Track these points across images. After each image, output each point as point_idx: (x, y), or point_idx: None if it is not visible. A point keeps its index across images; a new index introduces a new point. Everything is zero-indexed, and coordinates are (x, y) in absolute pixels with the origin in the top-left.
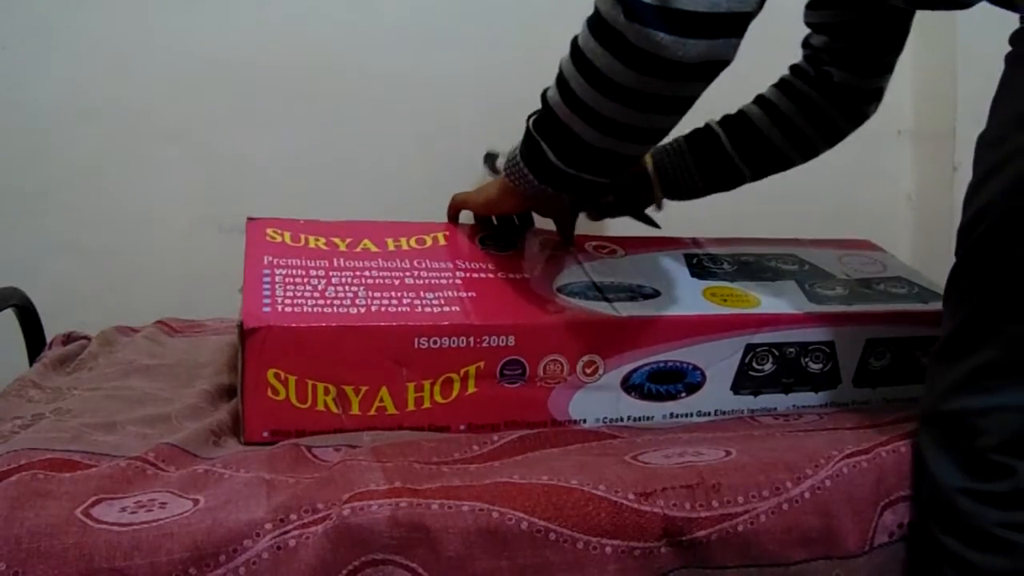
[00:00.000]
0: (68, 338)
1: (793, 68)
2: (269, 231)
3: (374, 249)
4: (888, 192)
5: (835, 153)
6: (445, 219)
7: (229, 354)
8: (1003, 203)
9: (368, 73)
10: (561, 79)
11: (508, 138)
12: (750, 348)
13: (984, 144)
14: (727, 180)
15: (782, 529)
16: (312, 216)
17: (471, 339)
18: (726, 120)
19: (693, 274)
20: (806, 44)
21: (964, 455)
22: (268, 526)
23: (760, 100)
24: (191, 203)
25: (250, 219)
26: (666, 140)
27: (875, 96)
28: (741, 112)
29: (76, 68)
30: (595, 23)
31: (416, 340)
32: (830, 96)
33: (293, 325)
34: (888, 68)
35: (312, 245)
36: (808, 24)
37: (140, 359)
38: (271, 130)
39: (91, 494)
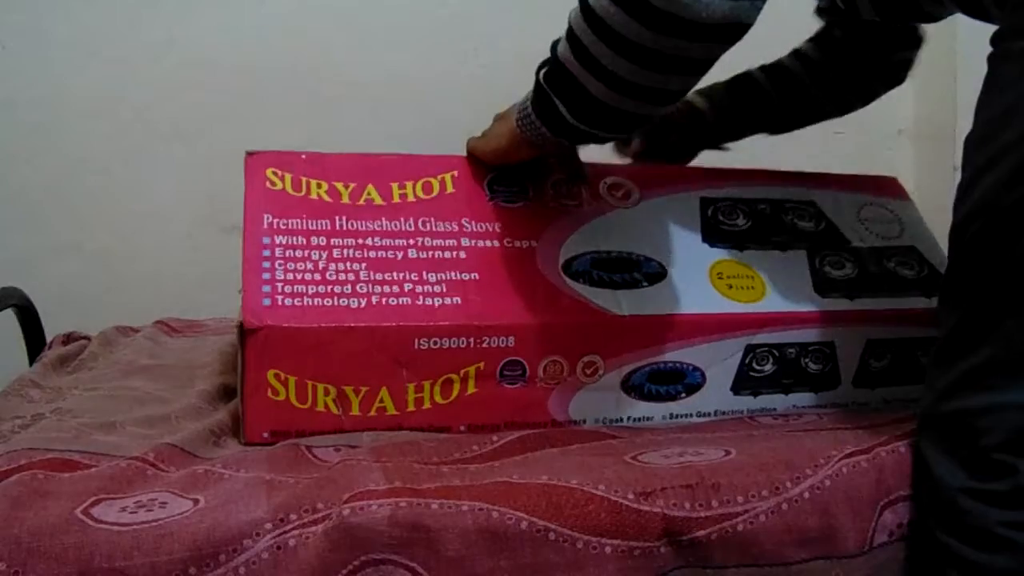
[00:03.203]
0: (68, 338)
1: (826, 26)
2: (269, 173)
3: (378, 202)
4: None
5: (836, 152)
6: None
7: (229, 354)
8: (996, 200)
9: (369, 72)
10: (571, 34)
11: None
12: (750, 349)
13: (972, 144)
14: (767, 123)
15: (782, 529)
16: None
17: (471, 340)
18: (764, 68)
19: (705, 237)
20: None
21: (965, 455)
22: (268, 526)
23: (794, 53)
24: (191, 203)
25: (249, 153)
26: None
27: (904, 66)
28: (778, 62)
29: (76, 67)
30: None
31: (416, 341)
32: (859, 56)
33: (293, 325)
34: (914, 43)
35: (314, 195)
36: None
37: (140, 359)
38: (272, 130)
39: (91, 494)
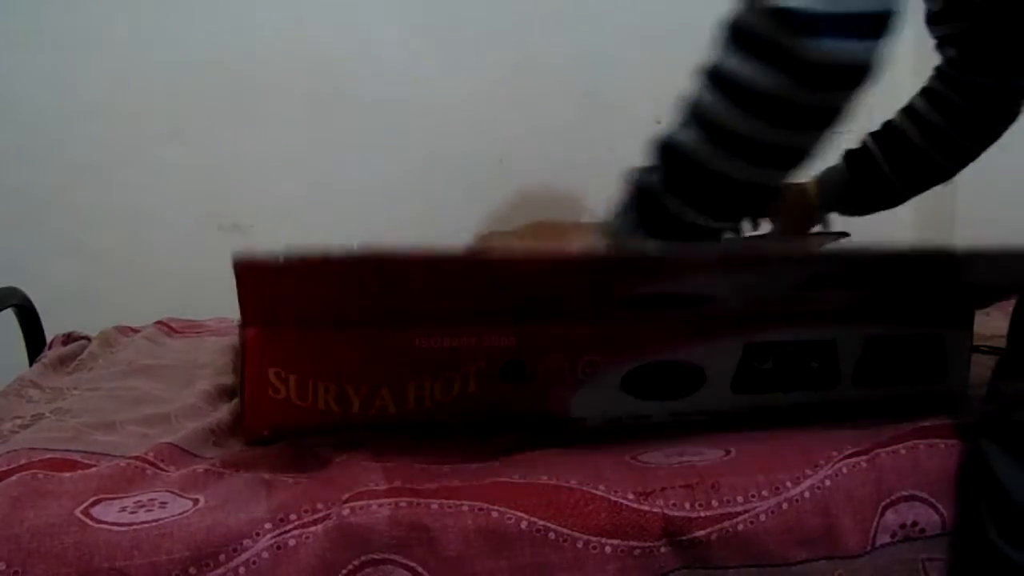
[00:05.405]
0: (68, 338)
1: (937, 72)
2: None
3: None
4: None
5: (837, 152)
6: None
7: (229, 355)
8: None
9: (366, 73)
10: (697, 112)
11: (505, 135)
12: (750, 347)
13: None
14: (886, 200)
15: (782, 529)
16: (312, 221)
17: (473, 339)
18: (879, 135)
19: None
20: (940, 51)
21: None
22: (268, 526)
23: (909, 111)
24: (191, 203)
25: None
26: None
27: (1022, 94)
28: (892, 126)
29: (76, 68)
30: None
31: (418, 339)
32: (976, 101)
33: (295, 327)
34: None
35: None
36: (934, 38)
37: (140, 359)
38: (271, 130)
39: (91, 494)
